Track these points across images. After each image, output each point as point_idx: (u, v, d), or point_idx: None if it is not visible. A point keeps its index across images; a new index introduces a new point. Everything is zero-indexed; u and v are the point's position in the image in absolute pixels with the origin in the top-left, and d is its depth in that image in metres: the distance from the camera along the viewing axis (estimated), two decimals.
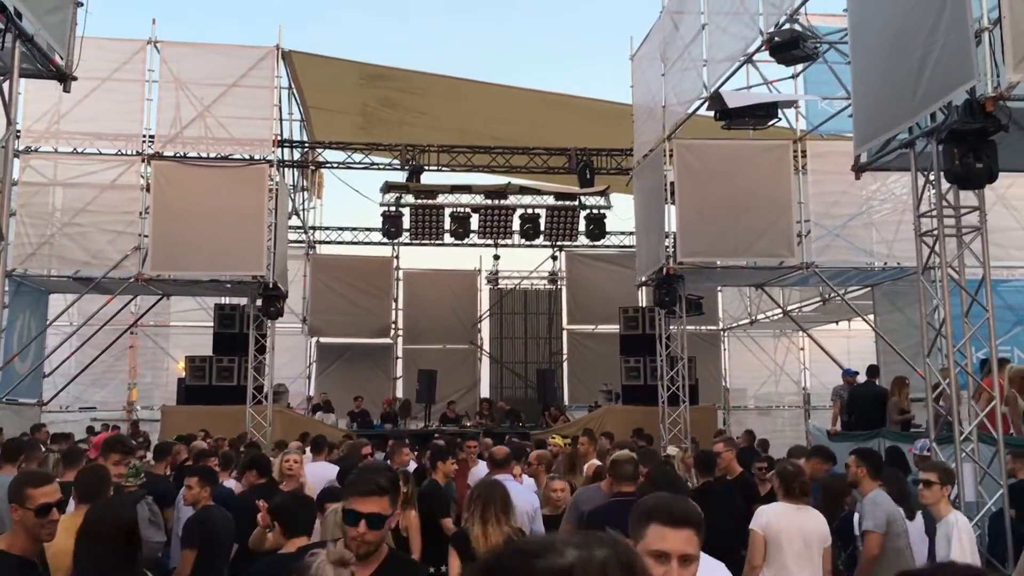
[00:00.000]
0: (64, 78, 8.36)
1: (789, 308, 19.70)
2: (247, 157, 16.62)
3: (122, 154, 16.66)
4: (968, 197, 8.42)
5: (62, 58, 8.26)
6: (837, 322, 20.71)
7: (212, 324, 18.44)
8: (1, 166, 7.43)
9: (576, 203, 21.12)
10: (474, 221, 21.10)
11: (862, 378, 13.54)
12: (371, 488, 3.26)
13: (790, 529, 5.45)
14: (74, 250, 16.18)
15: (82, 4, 8.59)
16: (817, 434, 14.16)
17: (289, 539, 4.31)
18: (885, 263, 15.59)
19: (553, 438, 10.53)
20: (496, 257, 24.26)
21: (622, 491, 5.76)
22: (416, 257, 24.84)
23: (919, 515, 6.42)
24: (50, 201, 16.78)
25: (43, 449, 9.36)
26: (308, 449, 12.19)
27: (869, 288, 17.41)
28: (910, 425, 11.56)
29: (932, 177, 8.47)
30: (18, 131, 10.33)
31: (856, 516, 6.32)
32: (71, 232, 16.24)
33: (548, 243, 22.80)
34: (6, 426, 14.51)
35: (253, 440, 13.91)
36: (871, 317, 17.24)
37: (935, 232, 8.46)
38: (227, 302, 18.75)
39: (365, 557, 3.19)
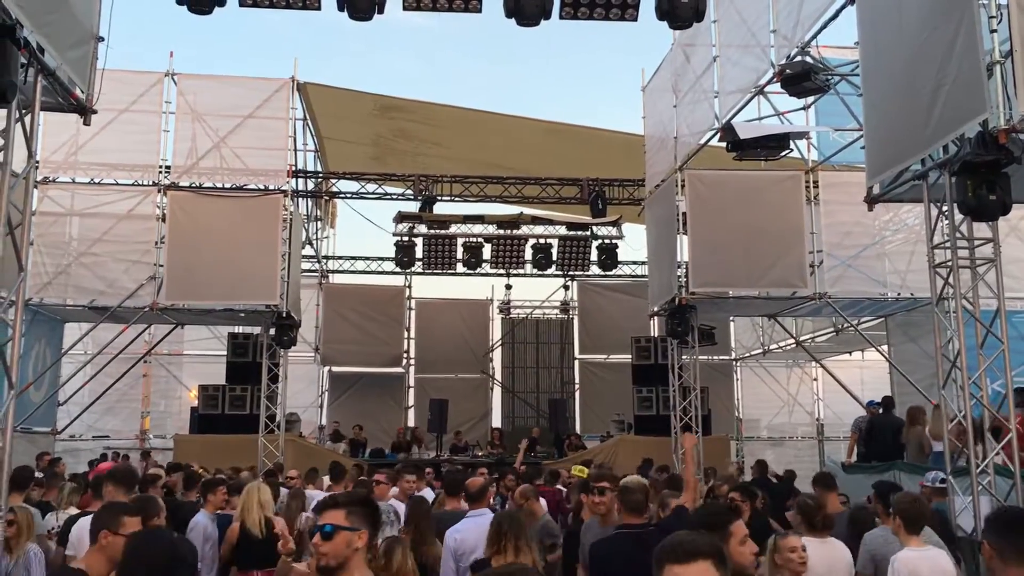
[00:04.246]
0: (84, 111, 8.46)
1: (802, 338, 19.64)
2: (262, 187, 16.76)
3: (138, 184, 16.79)
4: (981, 228, 8.40)
5: (83, 92, 8.37)
6: (851, 352, 20.62)
7: (225, 353, 18.48)
8: (22, 198, 7.52)
9: (588, 233, 21.16)
10: (486, 251, 21.15)
11: (881, 410, 13.44)
12: (325, 503, 3.50)
13: (817, 563, 5.38)
14: (90, 279, 16.31)
15: (103, 39, 8.73)
16: (832, 466, 14.07)
17: None
18: (899, 294, 15.55)
19: (576, 468, 10.48)
20: (508, 287, 24.35)
21: (628, 523, 5.38)
22: (428, 287, 24.94)
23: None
24: (67, 231, 16.94)
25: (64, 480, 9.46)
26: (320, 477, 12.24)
27: (883, 319, 17.35)
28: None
29: (945, 209, 8.47)
30: (37, 162, 10.45)
31: None
32: (87, 261, 16.38)
33: (560, 273, 22.83)
34: (20, 454, 14.45)
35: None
36: (885, 348, 17.16)
37: (949, 264, 8.45)
38: (240, 331, 18.81)
39: (327, 572, 3.31)
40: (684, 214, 15.53)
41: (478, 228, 21.07)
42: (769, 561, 4.98)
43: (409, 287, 24.58)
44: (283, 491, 9.53)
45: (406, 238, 20.42)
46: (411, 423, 22.64)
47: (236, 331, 18.81)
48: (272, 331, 16.74)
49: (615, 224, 20.90)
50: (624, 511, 5.50)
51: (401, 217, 20.33)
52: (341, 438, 19.41)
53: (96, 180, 16.82)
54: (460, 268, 21.29)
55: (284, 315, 16.36)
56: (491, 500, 7.72)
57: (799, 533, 5.61)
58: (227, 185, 16.85)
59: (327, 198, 22.08)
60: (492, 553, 5.13)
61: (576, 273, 23.08)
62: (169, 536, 4.30)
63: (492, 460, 16.89)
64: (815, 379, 22.23)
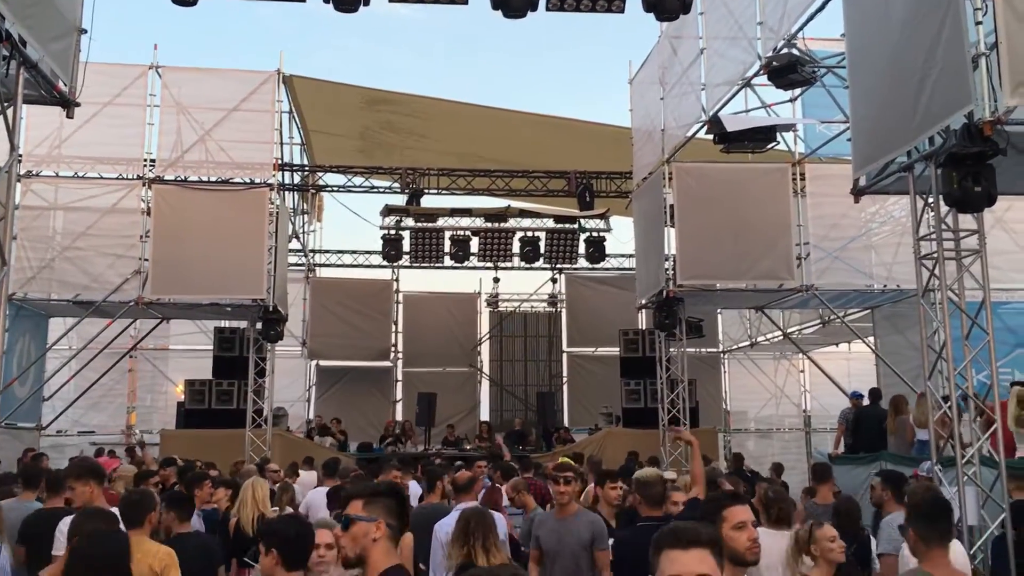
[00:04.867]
0: (67, 104, 8.40)
1: (789, 330, 19.71)
2: (248, 181, 16.66)
3: (123, 178, 16.70)
4: (967, 220, 8.44)
5: (65, 84, 8.31)
6: (837, 344, 20.72)
7: (212, 347, 18.41)
8: (4, 191, 7.46)
9: (576, 226, 21.18)
10: (474, 244, 21.15)
11: (866, 401, 13.52)
12: (347, 494, 3.58)
13: (769, 555, 5.41)
14: (74, 274, 16.20)
15: (86, 31, 8.67)
16: (819, 457, 14.14)
17: (289, 572, 4.01)
18: (885, 285, 15.61)
19: (563, 460, 10.53)
20: (496, 280, 24.30)
21: (650, 515, 5.56)
22: (416, 280, 24.95)
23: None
24: (51, 225, 16.83)
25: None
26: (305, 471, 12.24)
27: (869, 310, 17.42)
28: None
29: (931, 200, 8.50)
30: (20, 156, 10.38)
31: (873, 540, 6.28)
32: (71, 256, 16.27)
33: (548, 266, 22.84)
34: (5, 450, 14.47)
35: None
36: (871, 339, 17.24)
37: (935, 255, 8.48)
38: (227, 325, 18.73)
39: (351, 565, 3.36)
40: (671, 207, 15.54)
41: (465, 221, 21.06)
42: (792, 551, 4.99)
43: (396, 280, 24.54)
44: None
45: (393, 231, 20.38)
46: (399, 417, 22.62)
47: (223, 325, 18.73)
48: (259, 325, 16.67)
49: (603, 217, 20.92)
50: (643, 504, 5.67)
51: (388, 210, 20.27)
52: (327, 432, 19.36)
53: (80, 174, 16.71)
54: (448, 261, 21.29)
55: (271, 309, 16.29)
56: (480, 493, 7.74)
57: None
58: (212, 179, 16.76)
59: (313, 191, 22.00)
60: (463, 556, 5.10)
61: (564, 266, 23.10)
62: (123, 538, 4.23)
63: (481, 454, 16.87)
64: (802, 371, 22.30)
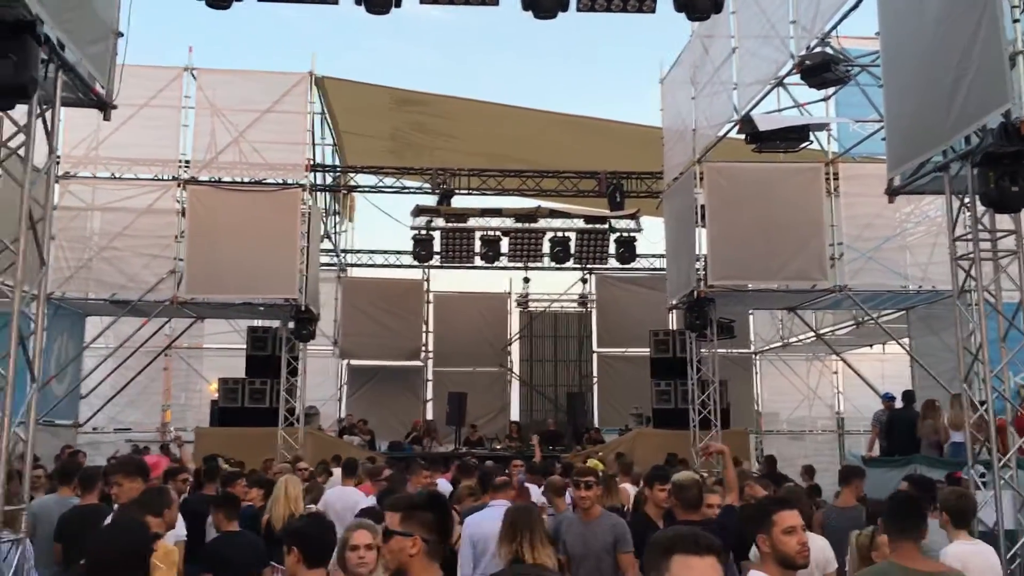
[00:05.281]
0: (104, 107, 8.50)
1: (822, 331, 19.51)
2: (280, 182, 16.83)
3: (158, 179, 16.93)
4: (1004, 220, 8.33)
5: (102, 87, 8.41)
6: (871, 345, 20.46)
7: (245, 347, 18.57)
8: (43, 193, 7.57)
9: (606, 226, 21.08)
10: (504, 244, 21.12)
11: (900, 403, 13.38)
12: (388, 505, 3.67)
13: None
14: (111, 273, 16.45)
15: (122, 34, 8.77)
16: (852, 459, 14.01)
17: (310, 569, 4.15)
18: (920, 286, 15.43)
19: (592, 461, 10.53)
20: (526, 280, 24.30)
21: (687, 519, 5.58)
22: (446, 280, 24.89)
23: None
24: (88, 225, 17.11)
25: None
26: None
27: (904, 311, 17.21)
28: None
29: (967, 200, 8.40)
30: (58, 157, 10.53)
31: None
32: (108, 256, 16.52)
33: (578, 266, 22.77)
34: (43, 447, 14.67)
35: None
36: (906, 341, 17.03)
37: (971, 256, 8.38)
38: (260, 325, 18.89)
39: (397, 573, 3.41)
40: (702, 207, 15.45)
41: (496, 221, 21.05)
42: (855, 557, 4.98)
43: (427, 280, 24.61)
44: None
45: (424, 231, 20.42)
46: (429, 416, 22.70)
47: (255, 325, 18.89)
48: (291, 325, 16.81)
49: (633, 217, 20.82)
50: (680, 507, 5.75)
51: (419, 210, 20.32)
52: (353, 432, 19.44)
53: (116, 175, 16.93)
54: (478, 261, 21.28)
55: (303, 309, 16.42)
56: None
57: None
58: (246, 179, 16.93)
59: (345, 192, 22.14)
60: (511, 553, 5.14)
61: (594, 266, 23.04)
62: (142, 528, 4.25)
63: (510, 454, 16.88)
64: (835, 372, 22.09)
